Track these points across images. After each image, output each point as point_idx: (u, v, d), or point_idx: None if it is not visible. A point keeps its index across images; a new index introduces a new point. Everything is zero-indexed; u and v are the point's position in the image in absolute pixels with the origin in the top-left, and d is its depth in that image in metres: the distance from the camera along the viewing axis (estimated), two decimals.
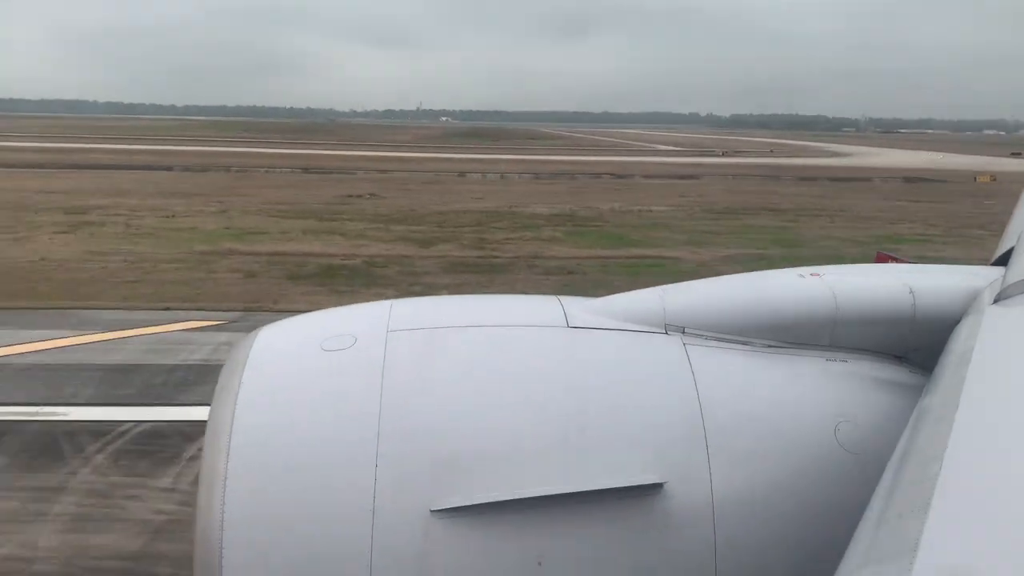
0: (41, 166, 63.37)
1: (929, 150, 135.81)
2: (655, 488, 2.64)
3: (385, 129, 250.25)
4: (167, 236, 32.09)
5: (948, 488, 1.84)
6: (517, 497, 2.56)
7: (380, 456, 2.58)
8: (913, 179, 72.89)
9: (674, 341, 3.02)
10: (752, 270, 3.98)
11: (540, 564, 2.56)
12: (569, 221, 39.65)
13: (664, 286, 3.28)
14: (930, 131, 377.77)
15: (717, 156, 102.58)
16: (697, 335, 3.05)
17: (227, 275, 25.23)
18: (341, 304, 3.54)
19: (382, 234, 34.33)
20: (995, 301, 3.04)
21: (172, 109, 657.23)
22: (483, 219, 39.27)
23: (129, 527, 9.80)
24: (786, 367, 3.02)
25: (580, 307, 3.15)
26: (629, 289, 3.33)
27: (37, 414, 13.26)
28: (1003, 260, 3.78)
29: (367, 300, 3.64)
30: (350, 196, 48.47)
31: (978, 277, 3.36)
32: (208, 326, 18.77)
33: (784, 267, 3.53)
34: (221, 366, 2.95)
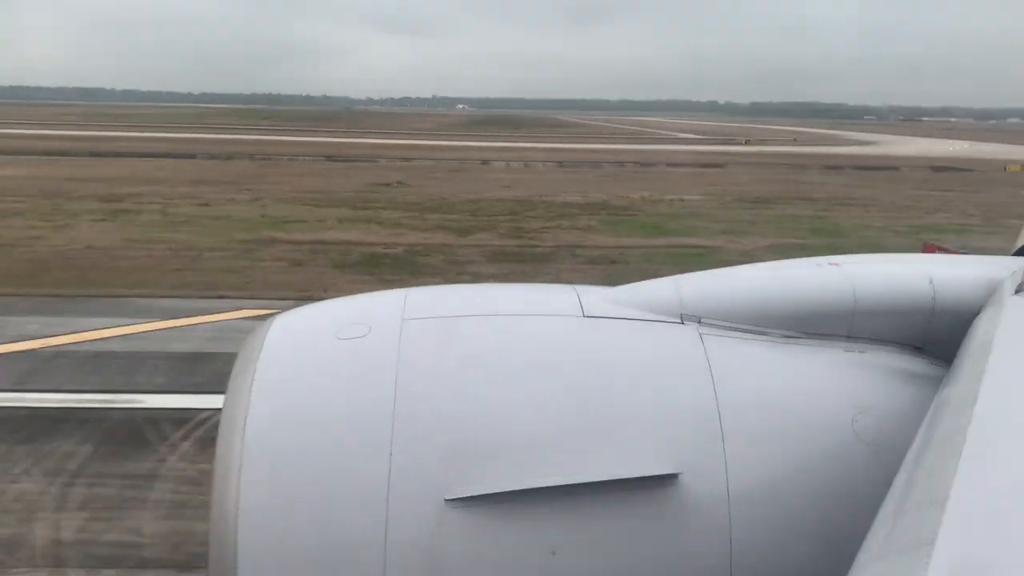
0: (65, 154, 63.68)
1: (954, 138, 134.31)
2: (670, 479, 2.62)
3: (402, 117, 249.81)
4: (205, 224, 32.19)
5: (967, 481, 1.80)
6: (531, 487, 2.54)
7: (394, 445, 2.57)
8: (942, 168, 72.11)
9: (690, 331, 2.99)
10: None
11: (554, 554, 2.55)
12: (603, 210, 39.47)
13: (680, 275, 3.24)
14: (953, 119, 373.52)
15: (740, 144, 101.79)
16: (713, 325, 3.02)
17: (273, 263, 25.29)
18: None
19: (418, 223, 34.30)
20: (1017, 291, 3.00)
21: (188, 96, 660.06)
22: (516, 208, 39.16)
23: None
24: (803, 358, 2.99)
25: (596, 296, 3.12)
26: None
27: (114, 401, 13.33)
28: None
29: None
30: (378, 184, 48.43)
31: (999, 267, 3.29)
32: (267, 314, 18.78)
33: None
34: None
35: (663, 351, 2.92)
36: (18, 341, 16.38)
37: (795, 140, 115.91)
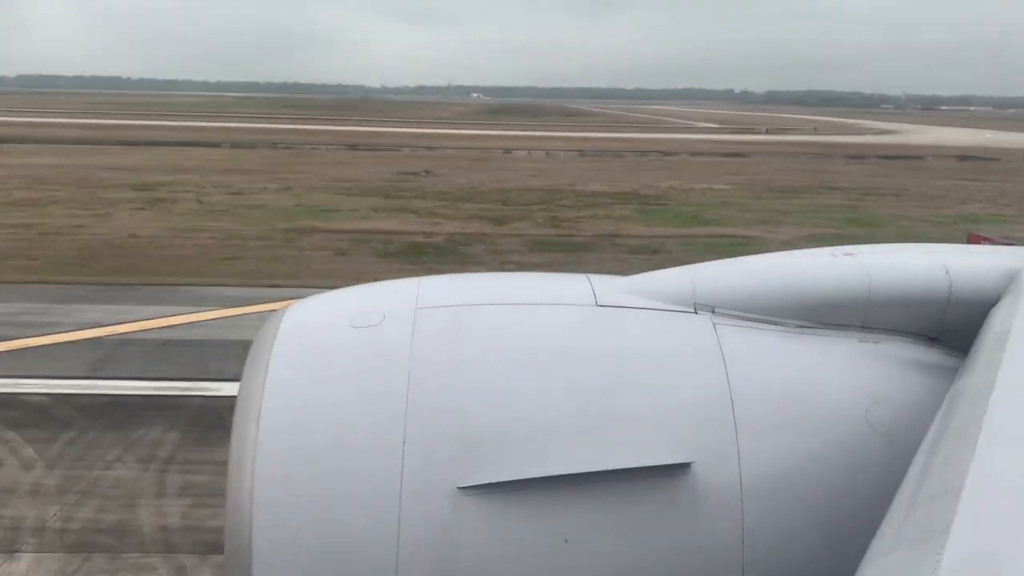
0: (92, 142, 64.02)
1: (973, 127, 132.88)
2: (683, 468, 2.62)
3: (418, 106, 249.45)
4: (242, 213, 32.35)
5: (981, 472, 1.79)
6: (544, 475, 2.55)
7: (408, 433, 2.59)
8: (966, 157, 71.44)
9: (704, 321, 2.98)
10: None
11: (566, 542, 2.55)
12: (633, 199, 39.40)
13: (693, 265, 3.25)
14: (972, 108, 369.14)
15: (760, 134, 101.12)
16: (727, 315, 3.01)
17: (317, 252, 25.43)
18: None
19: (451, 212, 34.35)
20: None
21: (204, 85, 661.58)
22: (546, 197, 39.13)
23: None
24: (817, 348, 2.98)
25: (609, 286, 3.13)
26: None
27: (191, 389, 13.52)
28: None
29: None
30: (406, 173, 48.46)
31: (1017, 257, 3.27)
32: None
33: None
34: None
35: (676, 341, 2.92)
36: (84, 329, 16.60)
37: (815, 129, 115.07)
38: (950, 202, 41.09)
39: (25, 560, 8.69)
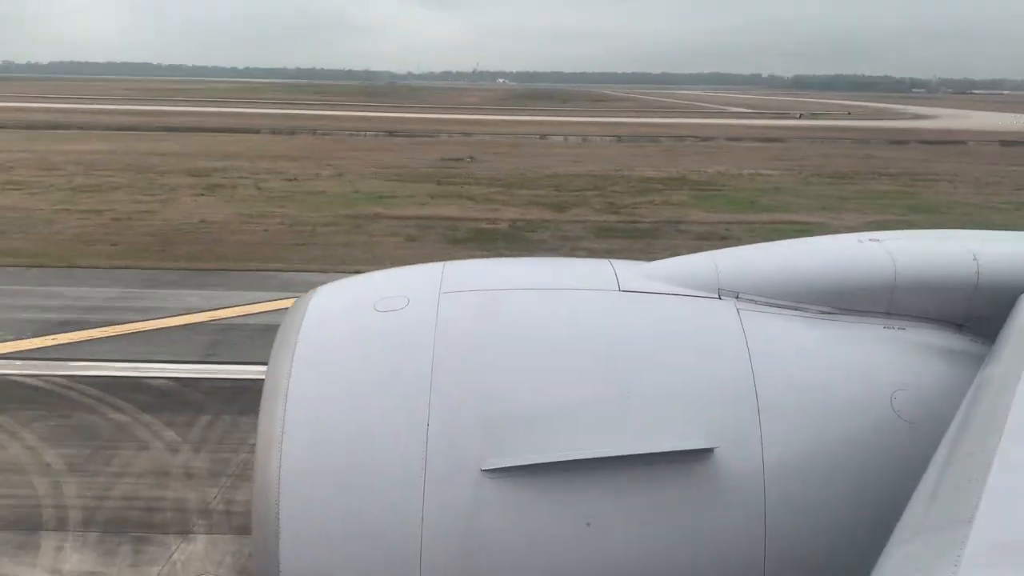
0: (135, 128, 64.61)
1: (1011, 111, 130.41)
2: (705, 453, 2.61)
3: (446, 91, 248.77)
4: (303, 199, 32.57)
5: (1006, 461, 1.76)
6: (567, 459, 2.56)
7: (432, 416, 2.61)
8: (1011, 142, 70.21)
9: (727, 306, 2.98)
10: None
11: (588, 525, 2.56)
12: (685, 185, 39.19)
13: (717, 251, 3.25)
14: (1005, 92, 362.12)
15: (795, 118, 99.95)
16: (751, 300, 3.00)
17: (388, 239, 25.59)
18: None
19: (507, 197, 34.37)
20: None
21: (233, 71, 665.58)
22: (597, 183, 39.02)
23: None
24: (842, 334, 2.95)
25: (632, 271, 3.14)
26: None
27: None
28: None
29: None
30: (450, 160, 48.48)
31: None
32: None
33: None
34: None
35: (700, 326, 2.92)
36: (188, 314, 16.88)
37: (849, 114, 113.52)
38: (1006, 188, 40.47)
39: (200, 541, 8.92)
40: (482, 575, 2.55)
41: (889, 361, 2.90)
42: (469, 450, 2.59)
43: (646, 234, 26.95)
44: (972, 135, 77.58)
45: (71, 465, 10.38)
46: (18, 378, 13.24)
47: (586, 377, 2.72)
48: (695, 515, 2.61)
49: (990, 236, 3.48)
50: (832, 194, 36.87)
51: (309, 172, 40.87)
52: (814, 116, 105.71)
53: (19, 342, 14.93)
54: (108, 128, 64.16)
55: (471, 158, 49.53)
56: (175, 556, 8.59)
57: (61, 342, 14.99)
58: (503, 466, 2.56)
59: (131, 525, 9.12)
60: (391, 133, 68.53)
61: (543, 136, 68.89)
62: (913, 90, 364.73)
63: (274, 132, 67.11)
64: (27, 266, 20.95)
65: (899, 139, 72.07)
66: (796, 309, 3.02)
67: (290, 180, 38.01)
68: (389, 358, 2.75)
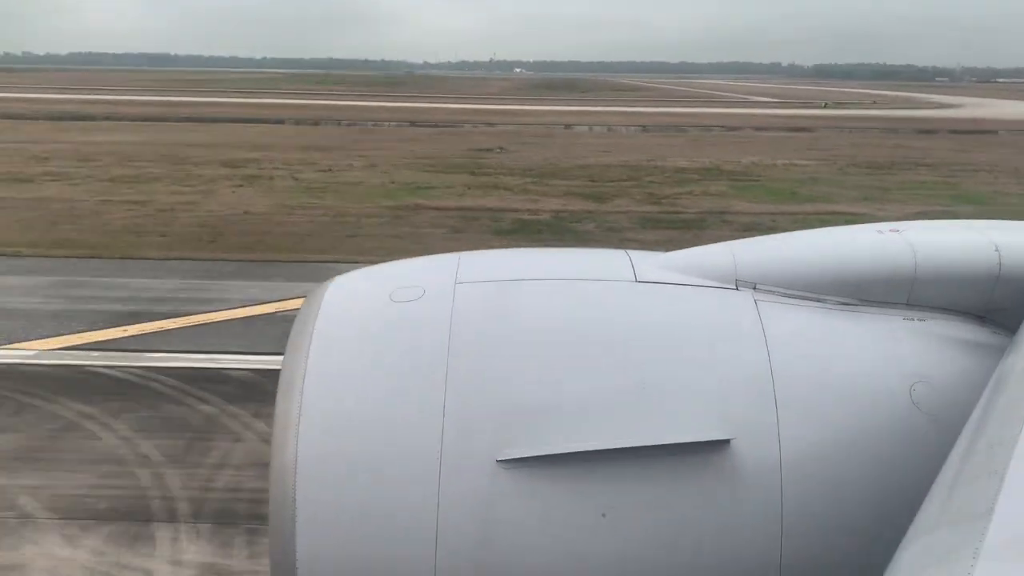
0: (161, 119, 64.81)
1: None
2: (722, 445, 2.60)
3: (465, 81, 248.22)
4: (341, 190, 32.55)
5: None
6: (582, 450, 2.55)
7: (447, 406, 2.61)
8: None
9: (745, 297, 2.95)
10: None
11: (604, 516, 2.55)
12: (721, 175, 38.91)
13: (734, 241, 3.20)
14: None
15: (820, 108, 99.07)
16: (769, 291, 2.97)
17: (435, 230, 25.53)
18: None
19: (544, 188, 34.22)
20: None
21: (250, 62, 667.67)
22: (632, 174, 38.81)
23: None
24: (861, 325, 2.92)
25: (649, 261, 3.12)
26: None
27: None
28: None
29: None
30: (479, 150, 48.35)
31: None
32: None
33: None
34: None
35: (717, 317, 2.89)
36: (252, 305, 16.88)
37: (875, 103, 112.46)
38: None
39: None
40: (497, 564, 2.56)
41: (909, 353, 2.88)
42: (484, 440, 2.59)
43: (693, 225, 26.77)
44: (1003, 124, 76.71)
45: (169, 456, 10.38)
46: (99, 369, 13.28)
47: (602, 368, 2.72)
48: (711, 506, 2.61)
49: (1012, 226, 3.43)
50: (873, 184, 36.51)
51: (341, 163, 40.85)
52: (839, 105, 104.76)
53: (92, 333, 14.98)
54: (133, 119, 64.38)
55: (501, 148, 49.38)
56: None
57: (132, 333, 15.03)
58: (518, 457, 2.57)
59: (242, 517, 9.11)
60: (414, 123, 68.43)
61: (567, 126, 68.60)
62: (936, 79, 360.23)
63: (298, 122, 67.16)
64: (83, 257, 21.03)
65: (929, 128, 71.26)
66: (815, 300, 2.99)
67: (324, 171, 38.00)
68: (405, 348, 2.76)
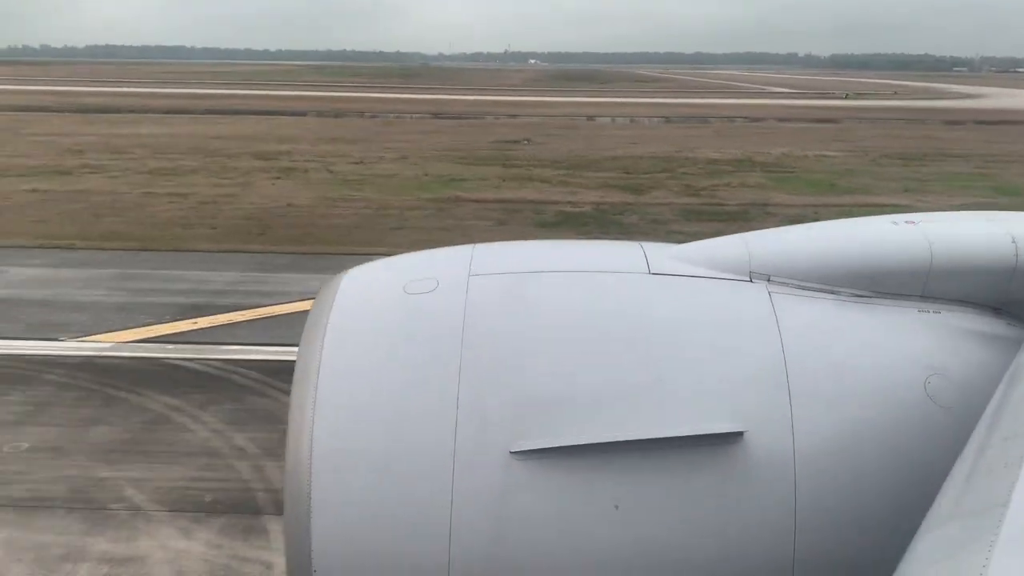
0: (186, 111, 65.02)
1: None
2: (735, 437, 2.59)
3: (481, 72, 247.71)
4: (377, 183, 32.59)
5: None
6: (596, 442, 2.55)
7: (461, 398, 2.62)
8: None
9: (759, 289, 2.94)
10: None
11: (617, 508, 2.56)
12: (755, 167, 38.71)
13: (748, 233, 3.21)
14: None
15: (841, 99, 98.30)
16: (783, 283, 2.97)
17: (478, 222, 25.53)
18: None
19: (580, 180, 34.15)
20: None
21: (266, 54, 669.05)
22: (664, 165, 38.68)
23: None
24: (875, 318, 2.91)
25: (662, 253, 3.11)
26: None
27: None
28: None
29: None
30: (507, 142, 48.27)
31: None
32: None
33: None
34: None
35: (731, 309, 2.89)
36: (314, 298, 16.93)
37: (896, 93, 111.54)
38: None
39: None
40: (510, 555, 2.57)
41: (924, 345, 2.87)
42: (498, 432, 2.61)
43: (735, 217, 26.64)
44: None
45: (265, 449, 10.46)
46: (176, 362, 13.39)
47: (615, 360, 2.73)
48: (725, 498, 2.62)
49: None
50: (909, 176, 36.24)
51: (372, 155, 40.87)
52: (860, 96, 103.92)
53: (161, 326, 15.09)
54: (159, 111, 64.62)
55: (527, 140, 49.29)
56: None
57: (202, 326, 15.12)
58: (532, 448, 2.58)
59: None
60: (437, 115, 68.38)
61: (590, 117, 68.41)
62: (955, 69, 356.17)
63: (321, 114, 67.21)
64: (135, 250, 21.17)
65: (954, 119, 70.67)
66: (829, 292, 2.99)
67: (357, 163, 38.04)
68: (419, 340, 2.77)
